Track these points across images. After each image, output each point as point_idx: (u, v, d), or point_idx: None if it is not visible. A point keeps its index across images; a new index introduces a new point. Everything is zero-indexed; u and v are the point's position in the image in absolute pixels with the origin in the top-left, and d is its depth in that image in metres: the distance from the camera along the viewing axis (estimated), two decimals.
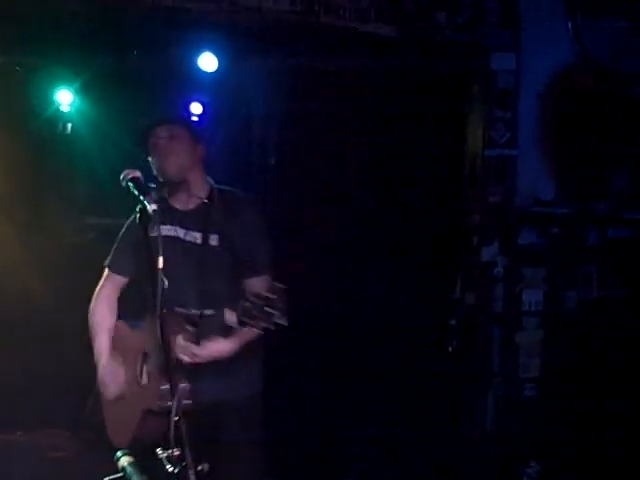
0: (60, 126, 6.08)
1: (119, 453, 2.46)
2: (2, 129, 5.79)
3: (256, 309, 2.78)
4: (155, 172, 3.57)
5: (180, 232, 3.57)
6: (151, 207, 2.70)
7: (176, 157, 3.53)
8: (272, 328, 2.78)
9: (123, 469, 2.43)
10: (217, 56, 5.81)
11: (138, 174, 2.92)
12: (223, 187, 3.69)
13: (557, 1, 5.44)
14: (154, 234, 3.12)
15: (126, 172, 2.92)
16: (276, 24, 5.14)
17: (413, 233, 5.93)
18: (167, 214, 3.48)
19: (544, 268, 5.43)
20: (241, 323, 2.90)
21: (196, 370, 3.34)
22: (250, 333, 3.24)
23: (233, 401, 3.53)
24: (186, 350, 3.27)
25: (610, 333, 5.35)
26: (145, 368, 3.42)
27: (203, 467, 2.31)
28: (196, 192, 3.60)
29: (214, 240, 3.52)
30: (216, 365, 3.39)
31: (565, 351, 5.40)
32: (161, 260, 2.56)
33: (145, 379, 3.42)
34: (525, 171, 5.48)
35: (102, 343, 3.62)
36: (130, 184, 2.87)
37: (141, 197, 2.75)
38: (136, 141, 3.75)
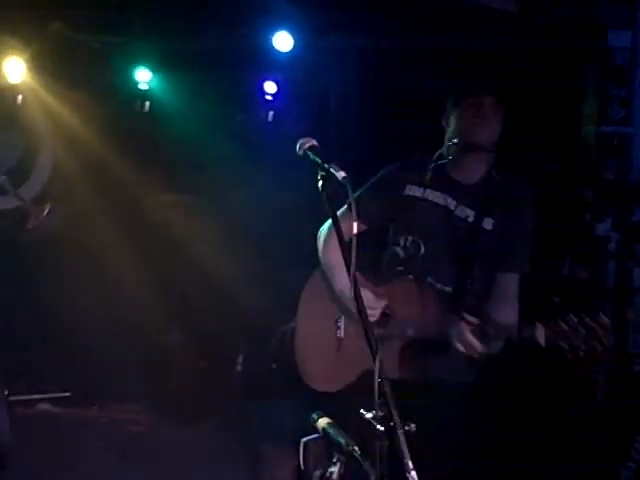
0: (138, 104, 6.16)
1: (315, 415, 2.42)
2: (82, 107, 5.94)
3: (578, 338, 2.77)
4: (452, 137, 3.37)
5: (451, 203, 3.39)
6: (340, 174, 2.58)
7: (492, 127, 3.42)
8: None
9: (324, 430, 2.40)
10: (293, 35, 5.82)
11: (315, 142, 2.78)
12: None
13: None
14: (411, 194, 3.33)
15: (302, 141, 2.79)
16: None
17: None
18: (441, 181, 3.38)
19: None
20: (548, 341, 2.86)
21: (428, 351, 3.23)
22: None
23: (454, 384, 3.34)
24: (471, 346, 3.07)
25: None
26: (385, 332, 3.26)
27: (410, 427, 2.23)
28: (481, 167, 3.41)
29: (488, 224, 3.35)
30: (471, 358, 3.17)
31: None
32: (355, 225, 2.46)
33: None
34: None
35: (343, 281, 3.24)
36: (309, 152, 2.75)
37: (326, 165, 2.63)
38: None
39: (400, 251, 3.38)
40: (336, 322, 3.40)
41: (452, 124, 3.39)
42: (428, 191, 3.39)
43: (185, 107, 6.13)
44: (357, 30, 5.70)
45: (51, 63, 5.63)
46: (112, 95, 6.08)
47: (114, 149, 6.06)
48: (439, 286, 3.32)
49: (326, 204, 2.69)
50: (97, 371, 5.90)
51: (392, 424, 2.21)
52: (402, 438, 2.18)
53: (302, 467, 2.42)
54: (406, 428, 2.20)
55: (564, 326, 2.83)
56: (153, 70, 6.05)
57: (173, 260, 6.16)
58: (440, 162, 3.37)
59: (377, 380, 2.26)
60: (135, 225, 6.22)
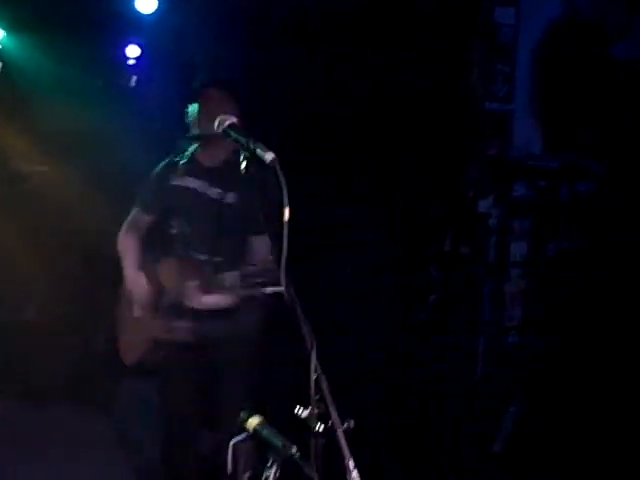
0: None
1: (243, 414, 2.24)
2: None
3: (256, 275, 3.39)
4: (193, 125, 3.88)
5: (202, 185, 3.85)
6: (268, 155, 2.50)
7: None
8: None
9: (255, 431, 2.21)
10: None
11: (234, 120, 2.73)
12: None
13: None
14: (175, 183, 3.84)
15: (221, 118, 2.73)
16: None
17: (405, 184, 5.82)
18: (195, 167, 3.87)
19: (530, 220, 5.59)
20: (242, 285, 3.47)
21: (199, 312, 3.74)
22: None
23: (231, 341, 3.81)
24: (194, 297, 3.70)
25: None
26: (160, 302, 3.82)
27: (349, 424, 2.14)
28: (222, 152, 3.81)
29: (231, 198, 3.79)
30: (217, 311, 3.76)
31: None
32: (287, 211, 2.39)
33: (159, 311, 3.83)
34: (519, 125, 5.61)
35: (130, 259, 3.95)
36: (230, 131, 2.72)
37: (251, 144, 2.58)
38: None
39: (174, 233, 3.90)
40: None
41: (191, 116, 3.87)
42: (187, 179, 3.87)
43: (43, 70, 5.81)
44: None
45: None
46: None
47: None
48: (204, 257, 3.79)
49: (253, 188, 2.80)
50: None
51: (330, 423, 2.12)
52: (342, 437, 2.10)
53: (230, 470, 2.31)
54: (345, 426, 2.12)
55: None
56: (6, 29, 5.70)
57: (40, 230, 5.83)
58: (190, 151, 3.90)
59: (313, 376, 2.14)
60: None
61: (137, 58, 6.12)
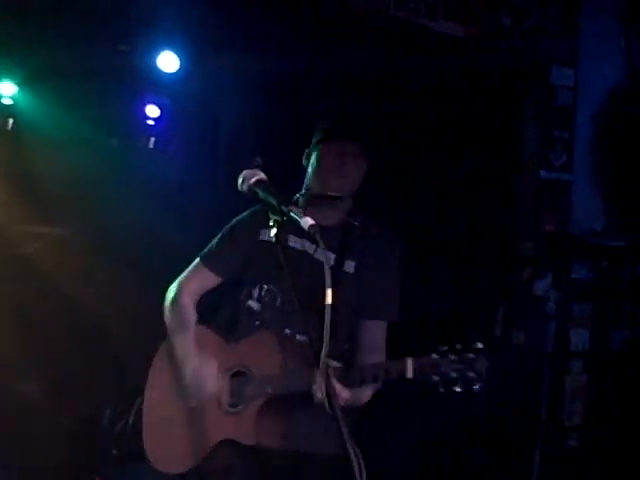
0: (1, 121, 5.49)
1: None
2: None
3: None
4: (310, 183, 3.18)
5: (309, 247, 3.11)
6: (306, 221, 2.30)
7: (350, 176, 3.14)
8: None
9: None
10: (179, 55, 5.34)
11: (263, 176, 2.50)
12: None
13: (613, 17, 5.11)
14: (266, 238, 2.95)
15: (246, 174, 2.51)
16: None
17: (454, 259, 5.31)
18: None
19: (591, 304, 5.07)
20: (416, 373, 2.69)
21: (290, 409, 2.97)
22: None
23: (318, 456, 3.04)
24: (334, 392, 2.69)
25: None
26: (239, 390, 3.00)
27: None
28: (338, 213, 3.17)
29: (350, 267, 3.10)
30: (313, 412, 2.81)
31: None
32: (330, 293, 2.17)
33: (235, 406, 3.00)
34: (579, 198, 5.17)
35: (191, 341, 3.10)
36: (257, 189, 2.47)
37: (284, 207, 2.35)
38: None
39: (255, 304, 3.13)
40: (186, 389, 3.07)
41: (310, 167, 3.17)
42: (283, 235, 2.94)
43: (55, 127, 5.47)
44: (250, 54, 5.25)
45: None
46: None
47: None
48: (299, 337, 3.04)
49: (281, 256, 2.40)
50: None
51: None
52: None
53: None
54: None
55: (434, 356, 2.69)
56: (19, 84, 5.38)
57: (36, 297, 5.40)
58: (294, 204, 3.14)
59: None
60: None
61: (156, 119, 5.82)
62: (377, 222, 3.25)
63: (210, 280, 3.23)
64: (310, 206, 3.12)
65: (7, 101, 5.40)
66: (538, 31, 5.02)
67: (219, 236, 3.26)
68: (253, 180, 2.49)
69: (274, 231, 2.40)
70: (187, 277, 3.26)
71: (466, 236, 5.24)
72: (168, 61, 5.38)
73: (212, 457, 2.97)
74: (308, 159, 3.20)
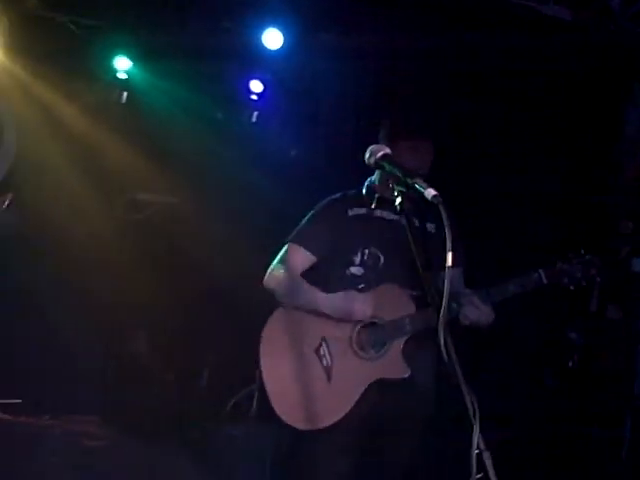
0: (116, 94, 5.77)
1: None
2: (55, 92, 5.53)
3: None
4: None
5: (393, 216, 3.31)
6: (429, 192, 2.38)
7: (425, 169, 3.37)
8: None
9: None
10: (282, 32, 5.50)
11: (388, 151, 2.63)
12: None
13: None
14: (356, 213, 3.37)
15: (373, 148, 2.63)
16: None
17: (550, 237, 5.42)
18: (377, 201, 3.34)
19: None
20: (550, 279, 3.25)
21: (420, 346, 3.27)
22: None
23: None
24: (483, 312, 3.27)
25: None
26: (374, 337, 3.28)
27: None
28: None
29: (432, 228, 3.42)
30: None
31: None
32: (450, 256, 2.31)
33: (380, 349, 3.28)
34: None
35: (312, 289, 3.33)
36: (384, 163, 2.60)
37: (409, 179, 2.45)
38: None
39: (357, 269, 3.36)
40: (317, 350, 3.30)
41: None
42: (371, 209, 3.37)
43: (165, 101, 5.78)
44: (353, 29, 5.39)
45: (23, 42, 5.21)
46: (88, 82, 5.67)
47: (87, 139, 5.65)
48: (407, 291, 3.30)
49: (407, 229, 2.55)
50: (52, 379, 5.43)
51: None
52: None
53: None
54: None
55: (560, 263, 3.26)
56: (133, 59, 5.65)
57: (146, 263, 5.66)
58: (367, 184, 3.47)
59: (475, 452, 2.05)
60: (106, 224, 5.77)
61: (259, 94, 6.03)
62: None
63: (307, 260, 3.41)
64: (383, 185, 3.37)
65: (122, 75, 5.69)
66: None
67: (309, 218, 3.46)
68: (380, 154, 2.62)
69: (399, 200, 2.54)
70: (284, 259, 3.42)
71: (567, 214, 5.32)
72: (272, 38, 5.54)
73: (362, 403, 3.22)
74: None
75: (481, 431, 2.04)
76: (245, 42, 5.57)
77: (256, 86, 6.00)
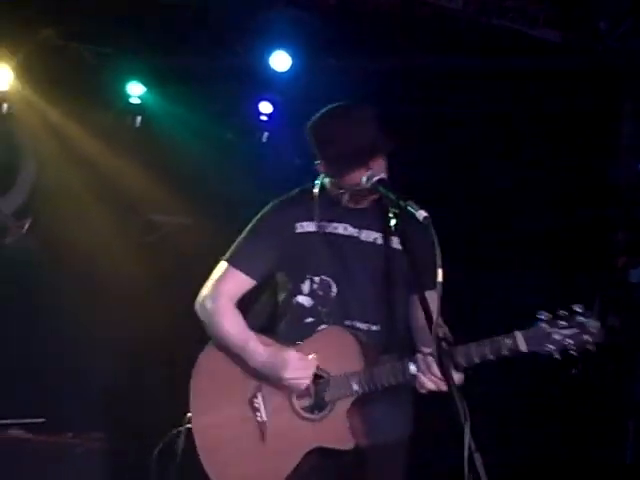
0: (129, 119, 5.92)
1: None
2: (70, 118, 5.70)
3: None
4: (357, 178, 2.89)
5: (352, 230, 2.96)
6: (420, 213, 2.46)
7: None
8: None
9: None
10: (291, 55, 5.66)
11: (384, 175, 2.76)
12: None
13: None
14: (304, 230, 2.93)
15: (370, 173, 2.75)
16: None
17: (552, 245, 5.51)
18: (332, 210, 2.97)
19: None
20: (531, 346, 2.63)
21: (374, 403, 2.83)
22: None
23: (391, 442, 2.94)
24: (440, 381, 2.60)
25: None
26: (317, 394, 2.83)
27: None
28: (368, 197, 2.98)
29: (397, 243, 2.88)
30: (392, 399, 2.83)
31: None
32: (440, 272, 2.26)
33: (322, 410, 2.82)
34: None
35: (253, 337, 2.91)
36: (379, 186, 2.72)
37: (401, 201, 2.55)
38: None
39: (305, 299, 2.93)
40: (251, 402, 2.87)
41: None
42: (323, 223, 2.95)
43: (177, 124, 5.92)
44: (359, 51, 5.52)
45: (40, 72, 5.39)
46: (102, 108, 5.83)
47: (103, 164, 5.81)
48: (364, 326, 2.90)
49: (402, 247, 2.60)
50: (74, 397, 5.57)
51: None
52: None
53: None
54: None
55: (543, 325, 2.61)
56: (146, 84, 5.82)
57: (163, 284, 5.80)
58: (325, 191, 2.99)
59: (467, 453, 2.04)
60: (122, 245, 5.91)
61: (269, 115, 6.15)
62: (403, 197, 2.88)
63: (245, 284, 2.99)
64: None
65: (135, 100, 5.84)
66: (634, 34, 5.12)
67: (250, 231, 3.04)
68: (376, 179, 2.76)
69: (394, 222, 2.61)
70: (217, 285, 2.99)
71: (563, 226, 5.41)
72: (280, 60, 5.70)
73: (300, 474, 2.81)
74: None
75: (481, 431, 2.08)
76: (254, 65, 5.72)
77: (265, 107, 6.13)
